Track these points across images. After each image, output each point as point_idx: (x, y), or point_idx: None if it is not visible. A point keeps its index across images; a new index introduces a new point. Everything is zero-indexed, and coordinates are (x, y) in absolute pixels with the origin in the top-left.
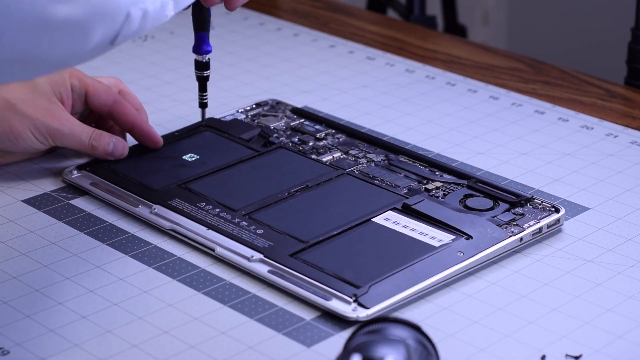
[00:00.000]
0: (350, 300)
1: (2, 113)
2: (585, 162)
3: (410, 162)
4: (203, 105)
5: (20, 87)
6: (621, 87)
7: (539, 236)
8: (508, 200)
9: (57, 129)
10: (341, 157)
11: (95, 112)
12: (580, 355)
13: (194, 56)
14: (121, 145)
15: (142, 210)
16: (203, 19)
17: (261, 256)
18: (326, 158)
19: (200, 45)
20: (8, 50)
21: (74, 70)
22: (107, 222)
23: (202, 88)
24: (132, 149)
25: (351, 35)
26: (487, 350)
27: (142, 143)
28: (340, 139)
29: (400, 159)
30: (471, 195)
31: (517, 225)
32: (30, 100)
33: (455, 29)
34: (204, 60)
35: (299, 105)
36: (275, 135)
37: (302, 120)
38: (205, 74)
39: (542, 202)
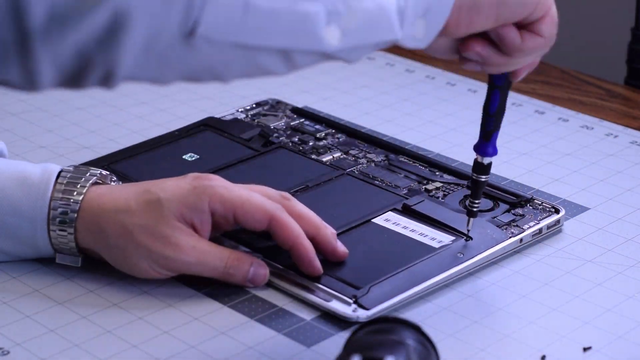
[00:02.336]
0: (350, 301)
1: (118, 240)
2: (585, 162)
3: (410, 162)
4: (472, 214)
5: (143, 213)
6: (621, 87)
7: (539, 237)
8: (508, 201)
9: (180, 260)
10: (341, 157)
11: None
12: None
13: None
14: (262, 271)
15: None
16: (499, 116)
17: (261, 256)
18: (326, 158)
19: (487, 146)
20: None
21: (215, 191)
22: None
23: (476, 195)
24: (132, 148)
25: None
26: (487, 350)
27: (298, 265)
28: (340, 139)
29: (400, 159)
30: None
31: (517, 226)
32: (151, 227)
33: None
34: (485, 163)
35: (299, 105)
36: (275, 135)
37: (302, 120)
38: (482, 179)
39: (542, 202)
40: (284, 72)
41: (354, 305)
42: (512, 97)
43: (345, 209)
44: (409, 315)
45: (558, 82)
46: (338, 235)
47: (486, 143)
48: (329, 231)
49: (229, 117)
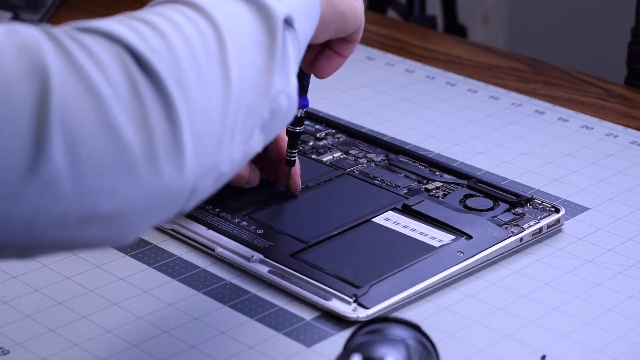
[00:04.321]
0: (350, 300)
1: None
2: (585, 162)
3: (410, 162)
4: (290, 163)
5: None
6: (621, 87)
7: (539, 236)
8: (508, 200)
9: None
10: (341, 157)
11: None
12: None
13: None
14: (257, 174)
15: None
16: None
17: (261, 256)
18: (326, 158)
19: (301, 99)
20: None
21: None
22: None
23: (293, 145)
24: None
25: None
26: (487, 350)
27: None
28: (340, 139)
29: (400, 159)
30: (471, 195)
31: (517, 225)
32: None
33: (455, 29)
34: (299, 115)
35: None
36: None
37: None
38: (297, 130)
39: (542, 202)
40: None
41: (354, 304)
42: (512, 97)
43: (345, 208)
44: (409, 315)
45: (558, 82)
46: (338, 234)
47: (301, 97)
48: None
49: None
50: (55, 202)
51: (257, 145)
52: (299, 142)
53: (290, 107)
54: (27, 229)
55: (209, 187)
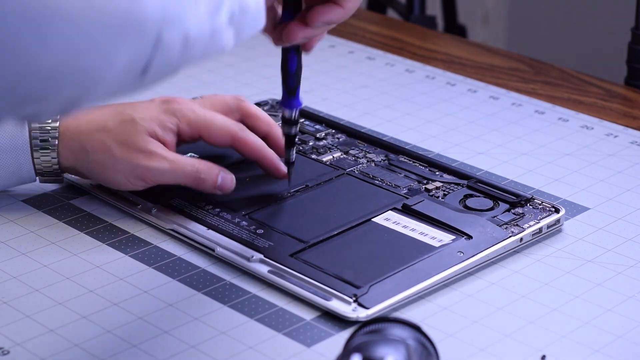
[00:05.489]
0: (350, 300)
1: (98, 156)
2: (585, 162)
3: (410, 162)
4: (289, 163)
5: (119, 130)
6: (621, 87)
7: (539, 236)
8: (508, 201)
9: (155, 168)
10: (341, 157)
11: None
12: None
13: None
14: (229, 178)
15: (142, 210)
16: (299, 72)
17: (261, 256)
18: (326, 158)
19: (294, 100)
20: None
21: (183, 114)
22: (107, 222)
23: (290, 143)
24: None
25: (351, 35)
26: (487, 350)
27: (266, 172)
28: (340, 139)
29: (400, 159)
30: (471, 195)
31: (517, 225)
32: (127, 141)
33: (455, 29)
34: (294, 118)
35: None
36: None
37: (302, 120)
38: (293, 132)
39: (542, 202)
40: None
41: (354, 305)
42: (512, 97)
43: (346, 208)
44: (409, 315)
45: (558, 82)
46: (338, 234)
47: (293, 98)
48: (279, 131)
49: None
50: None
51: (227, 36)
52: (298, 142)
53: (258, 12)
54: None
55: (176, 46)
